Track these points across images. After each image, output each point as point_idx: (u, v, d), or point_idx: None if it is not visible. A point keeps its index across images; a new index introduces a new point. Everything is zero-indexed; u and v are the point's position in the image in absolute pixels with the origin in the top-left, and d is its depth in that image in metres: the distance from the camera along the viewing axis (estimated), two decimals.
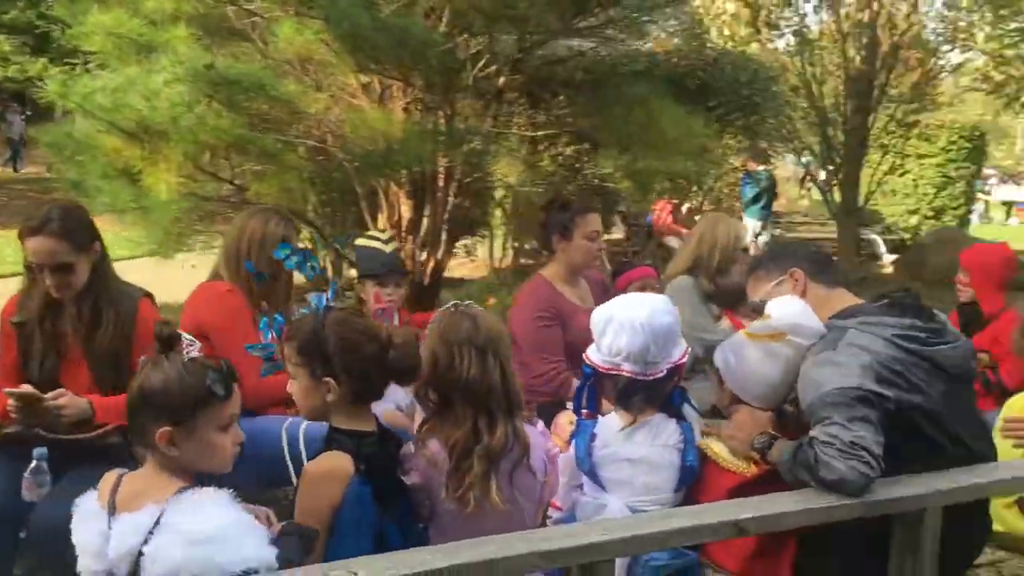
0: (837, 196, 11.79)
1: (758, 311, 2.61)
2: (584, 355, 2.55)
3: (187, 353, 1.99)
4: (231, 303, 2.96)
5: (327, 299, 2.24)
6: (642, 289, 3.51)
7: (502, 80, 6.67)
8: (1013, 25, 11.76)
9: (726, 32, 11.28)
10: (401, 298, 3.44)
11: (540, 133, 7.41)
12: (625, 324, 2.40)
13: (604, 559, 1.82)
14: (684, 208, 9.42)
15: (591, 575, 1.85)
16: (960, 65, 12.98)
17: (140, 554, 1.75)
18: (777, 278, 2.61)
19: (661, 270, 4.23)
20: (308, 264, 3.27)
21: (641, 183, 6.43)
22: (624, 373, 2.41)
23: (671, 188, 7.87)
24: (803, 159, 12.59)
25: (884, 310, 2.38)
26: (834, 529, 2.12)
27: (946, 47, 11.93)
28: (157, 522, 1.76)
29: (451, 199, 6.54)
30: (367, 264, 3.43)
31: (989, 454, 2.41)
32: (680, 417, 2.51)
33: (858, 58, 11.10)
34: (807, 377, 2.27)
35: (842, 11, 11.17)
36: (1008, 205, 30.49)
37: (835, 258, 9.44)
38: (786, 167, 14.59)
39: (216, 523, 1.75)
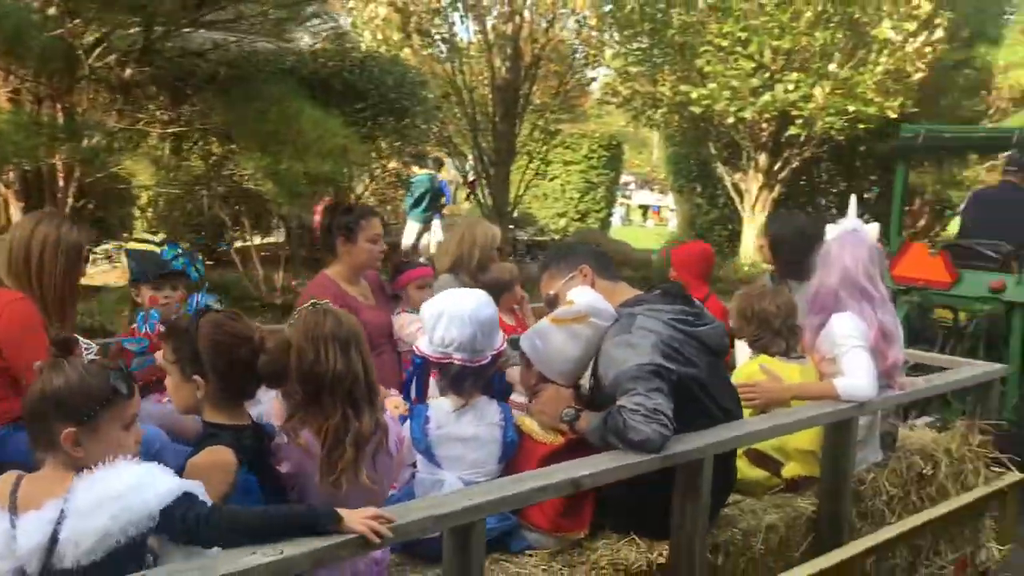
0: (490, 199, 12.37)
1: (552, 304, 2.97)
2: (414, 347, 2.82)
3: (85, 356, 2.00)
4: (21, 310, 2.85)
5: (199, 300, 2.31)
6: (422, 288, 3.87)
7: (128, 72, 6.20)
8: (635, 45, 13.04)
9: (379, 36, 11.41)
10: (178, 300, 3.48)
11: (174, 130, 6.97)
12: (455, 317, 2.69)
13: (480, 517, 2.14)
14: None
15: (467, 534, 2.13)
16: (593, 79, 14.17)
17: (53, 543, 1.82)
18: (568, 274, 2.97)
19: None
20: (194, 266, 3.49)
21: (285, 185, 6.25)
22: (455, 361, 2.70)
23: (326, 189, 7.74)
24: (468, 164, 13.09)
25: (660, 298, 2.82)
26: (623, 485, 2.47)
27: (581, 61, 12.96)
28: (63, 512, 1.83)
29: (71, 200, 5.96)
30: (141, 267, 3.46)
31: (740, 415, 2.91)
32: (501, 398, 2.85)
33: (503, 68, 11.72)
34: (609, 357, 2.66)
35: (488, 23, 11.73)
36: (645, 208, 33.99)
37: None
38: (449, 171, 15.14)
39: (125, 476, 1.85)
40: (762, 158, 14.12)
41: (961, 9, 13.04)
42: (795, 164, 14.04)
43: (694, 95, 12.58)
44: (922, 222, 14.57)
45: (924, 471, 3.48)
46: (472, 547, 2.14)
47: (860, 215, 3.48)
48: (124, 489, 1.83)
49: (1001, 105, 15.02)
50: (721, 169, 14.69)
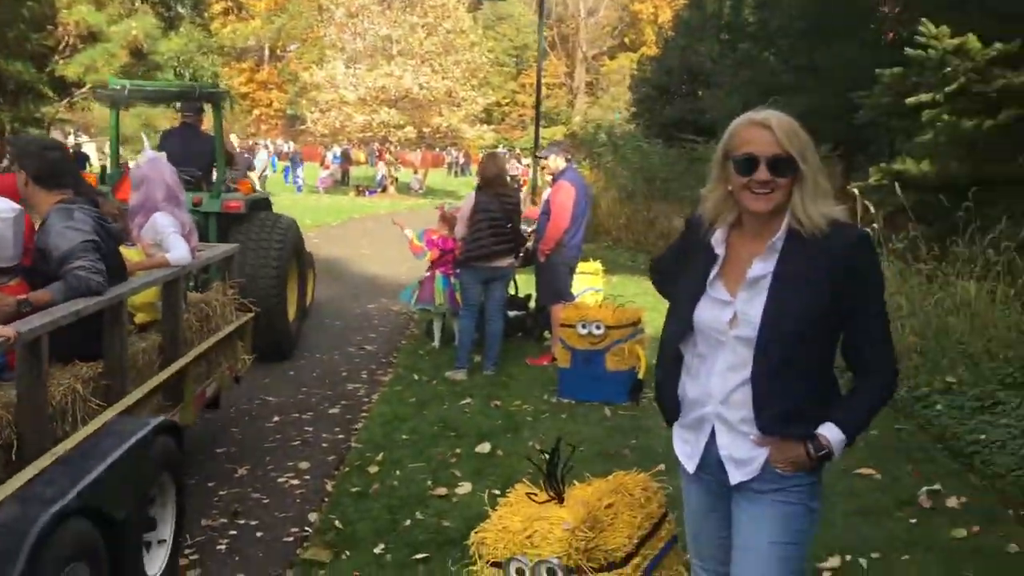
0: None
1: None
2: None
3: None
4: None
5: None
6: None
7: None
8: None
9: None
10: None
11: None
12: None
13: (50, 330, 3.27)
14: None
15: (36, 348, 3.16)
16: None
17: None
18: (15, 169, 3.91)
19: None
20: None
21: None
22: None
23: None
24: None
25: (79, 200, 3.86)
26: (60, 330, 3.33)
27: None
28: None
29: None
30: None
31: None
32: None
33: None
34: (59, 235, 3.67)
35: None
36: None
37: None
38: None
39: None
40: None
41: None
42: None
43: None
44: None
45: (209, 313, 5.25)
46: (41, 356, 3.19)
47: None
48: None
49: (71, 41, 14.88)
50: None
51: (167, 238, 4.77)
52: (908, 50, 8.21)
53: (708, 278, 2.46)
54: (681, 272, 2.60)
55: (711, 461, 2.49)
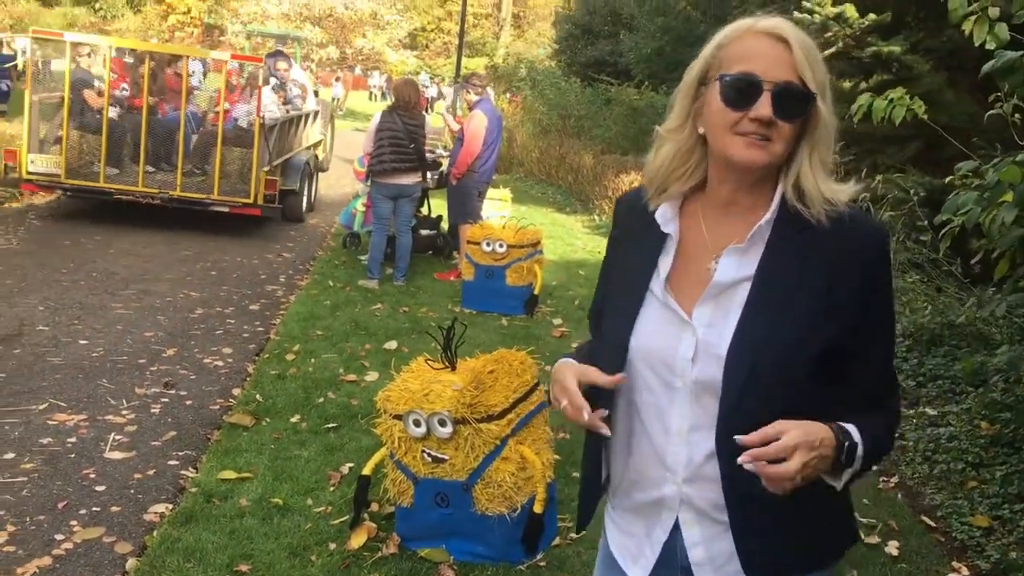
0: None
1: None
2: None
3: None
4: None
5: None
6: None
7: None
8: None
9: None
10: None
11: None
12: None
13: None
14: None
15: None
16: None
17: None
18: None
19: None
20: None
21: None
22: None
23: None
24: None
25: None
26: None
27: None
28: None
29: None
30: None
31: None
32: None
33: None
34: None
35: None
36: None
37: None
38: None
39: None
40: None
41: None
42: None
43: None
44: None
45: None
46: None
47: None
48: None
49: None
50: None
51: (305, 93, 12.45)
52: (795, 13, 9.03)
53: (652, 276, 1.55)
54: (613, 283, 1.67)
55: (673, 564, 1.59)
